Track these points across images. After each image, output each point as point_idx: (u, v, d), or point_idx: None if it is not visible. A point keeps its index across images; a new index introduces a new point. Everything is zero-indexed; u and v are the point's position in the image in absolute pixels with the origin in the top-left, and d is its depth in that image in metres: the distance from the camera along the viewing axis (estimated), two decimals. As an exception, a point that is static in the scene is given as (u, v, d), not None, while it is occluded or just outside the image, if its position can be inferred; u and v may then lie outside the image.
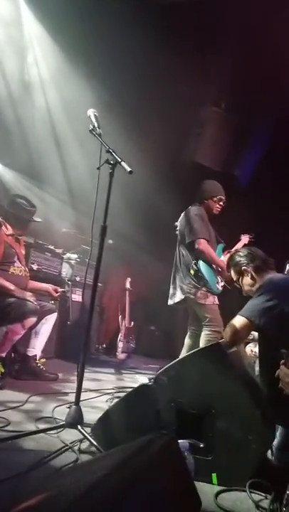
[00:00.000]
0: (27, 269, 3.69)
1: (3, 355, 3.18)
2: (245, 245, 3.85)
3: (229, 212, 3.89)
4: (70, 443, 2.05)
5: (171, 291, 3.75)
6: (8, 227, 3.44)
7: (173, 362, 2.09)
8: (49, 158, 5.43)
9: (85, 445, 2.07)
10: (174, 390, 2.01)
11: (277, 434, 2.03)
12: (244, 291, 2.45)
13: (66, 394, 3.08)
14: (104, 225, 2.28)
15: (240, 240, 4.01)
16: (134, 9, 4.41)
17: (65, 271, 4.90)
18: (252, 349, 2.84)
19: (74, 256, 4.96)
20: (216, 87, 5.30)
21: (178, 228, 3.79)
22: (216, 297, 3.58)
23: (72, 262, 4.93)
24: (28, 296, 3.31)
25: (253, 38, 4.37)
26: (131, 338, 5.33)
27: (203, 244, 3.52)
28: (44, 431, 2.14)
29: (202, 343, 3.46)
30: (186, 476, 1.34)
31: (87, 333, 2.24)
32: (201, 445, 1.89)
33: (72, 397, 2.82)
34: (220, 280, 3.63)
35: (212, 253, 3.57)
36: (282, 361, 1.58)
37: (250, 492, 1.75)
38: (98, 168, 2.30)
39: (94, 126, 2.39)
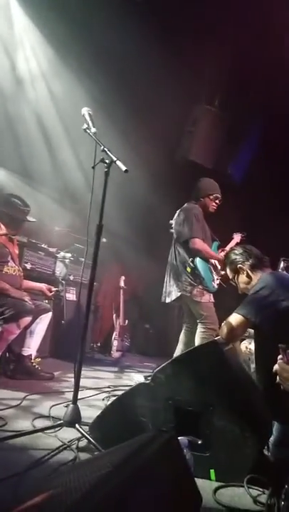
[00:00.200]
0: (21, 268, 3.68)
1: (-1, 354, 3.17)
2: (237, 244, 3.87)
3: (222, 210, 3.91)
4: (68, 442, 2.05)
5: (166, 288, 3.75)
6: (2, 226, 3.42)
7: (170, 360, 2.11)
8: (41, 157, 5.39)
9: (82, 444, 2.07)
10: (171, 387, 2.02)
11: (274, 430, 2.05)
12: (240, 289, 2.47)
13: (62, 393, 3.08)
14: (100, 224, 2.27)
15: (232, 238, 4.04)
16: (124, 4, 4.39)
17: (59, 270, 4.88)
18: (246, 346, 2.86)
19: (68, 255, 4.95)
20: (209, 85, 5.31)
21: (173, 226, 3.80)
22: (211, 295, 3.60)
23: (66, 261, 4.91)
24: (24, 295, 3.30)
25: (247, 35, 4.39)
26: (125, 336, 5.33)
27: (198, 244, 3.53)
28: (42, 430, 2.14)
29: (197, 341, 3.48)
30: (187, 472, 1.36)
31: (84, 332, 2.24)
32: (199, 442, 1.91)
33: (68, 396, 2.84)
34: (216, 278, 3.65)
35: (208, 250, 3.59)
36: (280, 356, 1.59)
37: (248, 487, 1.77)
38: (93, 167, 2.30)
39: (88, 125, 2.39)
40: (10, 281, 3.35)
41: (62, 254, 4.94)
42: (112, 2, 4.39)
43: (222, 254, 3.67)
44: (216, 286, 3.63)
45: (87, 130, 2.37)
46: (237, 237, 4.02)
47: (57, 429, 2.16)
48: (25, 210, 3.53)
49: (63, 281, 4.86)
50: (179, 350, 3.69)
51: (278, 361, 1.59)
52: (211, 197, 3.76)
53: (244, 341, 2.90)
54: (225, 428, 1.91)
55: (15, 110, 5.05)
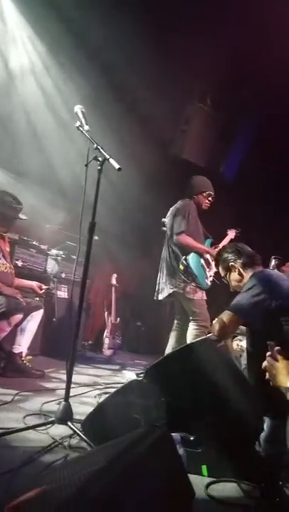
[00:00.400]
0: (12, 266, 3.66)
1: (-11, 352, 3.16)
2: (232, 240, 3.90)
3: (215, 208, 3.93)
4: (60, 439, 2.05)
5: (160, 286, 3.76)
6: (-7, 223, 3.40)
7: (162, 357, 2.12)
8: (33, 154, 5.35)
9: (74, 441, 2.07)
10: (163, 384, 2.03)
11: (265, 426, 2.07)
12: (232, 287, 2.48)
13: (53, 390, 3.08)
14: (93, 221, 2.27)
15: (226, 235, 4.06)
16: (117, 1, 4.37)
17: (51, 267, 4.86)
18: (238, 343, 2.88)
19: (60, 252, 4.93)
20: (201, 84, 5.32)
21: (166, 224, 3.80)
22: (204, 293, 3.62)
23: (58, 258, 4.89)
24: (15, 293, 3.28)
25: (241, 33, 4.40)
26: (117, 334, 5.33)
27: (181, 238, 3.54)
28: (34, 427, 2.13)
29: (189, 338, 3.49)
30: (180, 468, 1.37)
31: (76, 330, 2.23)
32: (192, 438, 1.92)
33: (59, 394, 2.84)
34: (209, 275, 3.67)
35: (194, 243, 3.60)
36: (268, 353, 1.61)
37: (240, 483, 1.78)
38: (86, 165, 2.29)
39: (81, 122, 2.38)
40: (1, 278, 3.33)
41: (54, 251, 4.92)
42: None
43: (215, 251, 3.69)
44: (209, 283, 3.65)
45: (80, 128, 2.37)
46: (231, 234, 4.04)
47: (49, 426, 2.16)
48: (18, 207, 3.50)
49: (55, 279, 4.84)
50: (170, 347, 3.71)
51: (267, 358, 1.61)
52: (204, 194, 3.78)
53: (236, 338, 2.92)
54: (217, 424, 1.92)
55: (6, 107, 5.01)
